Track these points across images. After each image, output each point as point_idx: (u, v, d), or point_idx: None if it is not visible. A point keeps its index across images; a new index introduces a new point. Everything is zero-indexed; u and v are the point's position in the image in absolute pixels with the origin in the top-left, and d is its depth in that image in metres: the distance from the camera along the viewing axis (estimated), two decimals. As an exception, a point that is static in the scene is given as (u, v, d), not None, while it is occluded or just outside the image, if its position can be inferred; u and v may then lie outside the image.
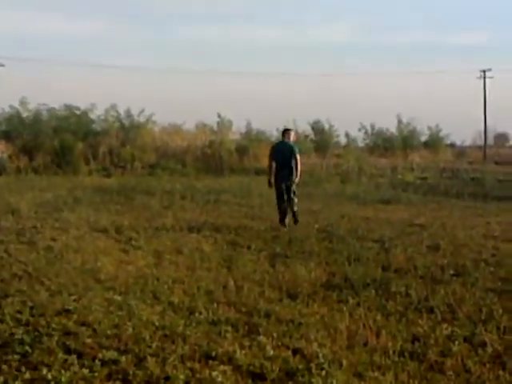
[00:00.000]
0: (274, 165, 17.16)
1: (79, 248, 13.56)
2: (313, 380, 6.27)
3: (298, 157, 17.15)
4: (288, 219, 17.15)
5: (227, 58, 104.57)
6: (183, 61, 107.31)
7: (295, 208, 17.23)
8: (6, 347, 7.20)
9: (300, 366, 6.62)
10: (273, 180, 17.27)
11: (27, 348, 7.10)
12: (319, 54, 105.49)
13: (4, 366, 6.58)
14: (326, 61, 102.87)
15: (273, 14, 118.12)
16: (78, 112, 44.80)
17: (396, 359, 6.94)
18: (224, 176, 37.99)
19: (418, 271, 11.31)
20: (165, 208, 21.28)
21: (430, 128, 59.50)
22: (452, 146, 65.97)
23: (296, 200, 17.31)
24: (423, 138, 59.68)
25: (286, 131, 17.91)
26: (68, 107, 44.81)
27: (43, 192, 25.29)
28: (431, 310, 8.85)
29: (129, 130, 44.17)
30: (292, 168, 17.03)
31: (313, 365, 6.63)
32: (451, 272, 11.24)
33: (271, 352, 7.02)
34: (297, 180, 17.29)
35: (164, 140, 45.90)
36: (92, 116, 45.28)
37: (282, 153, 17.19)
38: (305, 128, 52.35)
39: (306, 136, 52.02)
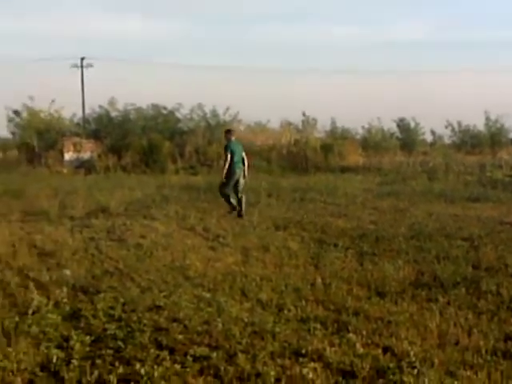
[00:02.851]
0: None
1: (168, 245, 13.74)
2: (404, 378, 6.23)
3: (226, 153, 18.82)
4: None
5: (308, 56, 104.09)
6: (265, 59, 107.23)
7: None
8: (99, 342, 7.36)
9: (391, 365, 6.59)
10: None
11: (120, 343, 7.25)
12: (399, 51, 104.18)
13: (98, 361, 6.73)
14: (407, 58, 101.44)
15: (350, 12, 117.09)
16: (165, 111, 45.34)
17: (488, 358, 6.84)
18: (309, 174, 37.85)
19: (509, 270, 11.10)
20: (251, 205, 21.30)
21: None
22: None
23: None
24: (512, 135, 58.42)
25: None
26: (155, 107, 45.39)
27: (132, 190, 25.65)
28: (524, 310, 8.69)
29: (215, 129, 44.45)
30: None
31: (404, 363, 6.59)
32: (544, 271, 11.00)
33: (361, 350, 7.01)
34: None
35: (249, 138, 46.03)
36: (178, 115, 45.76)
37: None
38: (390, 126, 51.79)
39: (392, 134, 51.50)
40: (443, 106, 65.90)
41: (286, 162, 42.58)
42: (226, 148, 18.84)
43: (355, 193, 25.15)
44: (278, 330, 7.68)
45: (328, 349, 7.02)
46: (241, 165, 18.88)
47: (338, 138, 47.69)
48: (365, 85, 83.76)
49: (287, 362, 6.71)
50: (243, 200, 18.90)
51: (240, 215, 18.56)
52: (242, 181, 19.10)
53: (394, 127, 52.37)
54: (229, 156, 18.59)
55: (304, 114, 47.25)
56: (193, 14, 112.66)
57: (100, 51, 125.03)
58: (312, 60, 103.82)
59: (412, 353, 6.88)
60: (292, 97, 69.16)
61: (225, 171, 18.80)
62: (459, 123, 53.44)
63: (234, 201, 18.79)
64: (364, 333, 7.63)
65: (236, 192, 18.91)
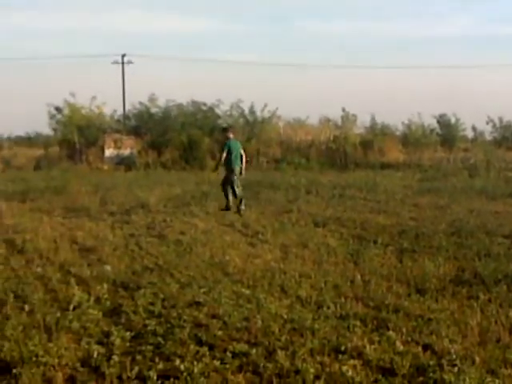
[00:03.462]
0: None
1: (207, 241, 13.78)
2: (445, 376, 6.20)
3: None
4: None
5: (351, 51, 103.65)
6: (305, 55, 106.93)
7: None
8: (139, 338, 7.42)
9: (431, 362, 6.56)
10: None
11: (160, 339, 7.29)
12: (443, 47, 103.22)
13: (138, 357, 6.78)
14: (451, 53, 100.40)
15: (400, 6, 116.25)
16: (204, 108, 45.41)
17: (530, 357, 6.77)
18: (348, 170, 37.75)
19: (552, 267, 10.97)
20: (290, 202, 21.35)
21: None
22: None
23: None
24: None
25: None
26: (195, 103, 45.47)
27: (171, 187, 25.79)
28: None
29: (254, 125, 44.46)
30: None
31: (444, 361, 6.56)
32: None
33: (401, 347, 6.98)
34: None
35: (288, 135, 46.00)
36: (218, 112, 45.80)
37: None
38: (430, 122, 51.31)
39: (432, 130, 51.05)
40: (484, 101, 65.26)
41: (324, 158, 42.49)
42: (224, 146, 18.94)
43: (395, 189, 25.02)
44: (317, 326, 7.67)
45: (368, 346, 7.00)
46: (239, 162, 18.82)
47: (377, 134, 47.39)
48: (404, 80, 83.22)
49: (326, 359, 6.70)
50: (240, 195, 18.76)
51: (239, 211, 18.50)
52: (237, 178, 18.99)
53: (434, 123, 51.89)
54: (224, 153, 18.61)
55: (343, 110, 47.04)
56: (231, 10, 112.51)
57: (141, 48, 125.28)
58: (351, 55, 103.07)
59: (452, 350, 6.85)
60: (334, 93, 68.92)
61: (223, 165, 18.84)
62: (500, 119, 52.80)
63: (231, 198, 18.65)
64: (404, 330, 7.60)
65: (233, 188, 18.71)
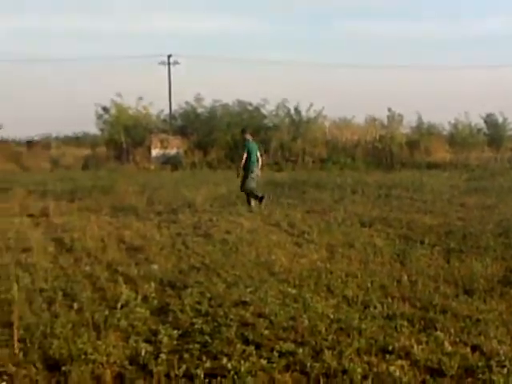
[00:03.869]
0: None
1: (253, 241, 13.80)
2: (494, 378, 6.14)
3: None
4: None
5: (395, 52, 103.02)
6: (350, 55, 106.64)
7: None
8: (186, 336, 7.45)
9: (479, 363, 6.50)
10: None
11: (207, 338, 7.32)
12: (484, 46, 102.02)
13: (186, 355, 6.82)
14: (494, 52, 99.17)
15: (434, 7, 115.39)
16: (250, 108, 45.54)
17: None
18: (394, 170, 37.57)
19: None
20: (336, 202, 21.30)
21: None
22: None
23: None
24: None
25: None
26: (241, 103, 45.62)
27: (217, 186, 25.91)
28: None
29: (299, 125, 44.47)
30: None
31: (493, 362, 6.49)
32: None
33: (449, 348, 6.93)
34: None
35: (334, 134, 45.95)
36: (264, 111, 45.90)
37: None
38: (477, 121, 50.82)
39: (479, 130, 50.56)
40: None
41: (370, 158, 42.40)
42: (244, 147, 19.68)
43: (442, 189, 24.84)
44: (364, 326, 7.65)
45: (415, 346, 6.96)
46: (256, 163, 19.57)
47: (424, 133, 47.15)
48: (445, 80, 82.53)
49: (374, 359, 6.68)
50: (255, 193, 19.49)
51: (250, 204, 19.27)
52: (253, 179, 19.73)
53: (481, 123, 51.40)
54: (245, 155, 19.34)
55: (389, 110, 46.86)
56: (279, 11, 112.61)
57: (187, 49, 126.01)
58: (392, 56, 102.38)
59: (501, 352, 6.77)
60: (380, 93, 68.56)
61: (241, 167, 19.49)
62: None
63: (258, 194, 19.43)
64: (452, 331, 7.54)
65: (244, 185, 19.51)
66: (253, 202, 19.29)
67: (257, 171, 19.61)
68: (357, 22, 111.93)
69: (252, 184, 19.52)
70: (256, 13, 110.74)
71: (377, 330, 7.56)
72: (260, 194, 19.38)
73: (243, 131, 21.09)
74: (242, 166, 19.40)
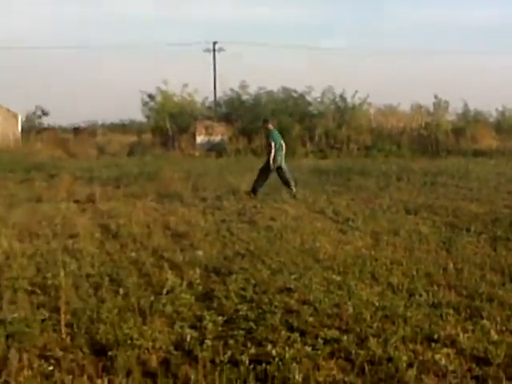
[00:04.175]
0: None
1: (298, 228, 13.81)
2: (540, 366, 6.08)
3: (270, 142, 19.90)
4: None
5: (443, 38, 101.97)
6: (396, 42, 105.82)
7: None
8: (231, 323, 7.48)
9: (526, 352, 6.44)
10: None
11: (252, 324, 7.35)
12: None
13: (230, 341, 6.84)
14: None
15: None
16: (295, 95, 45.44)
17: None
18: (440, 158, 37.24)
19: None
20: (381, 189, 21.21)
21: None
22: None
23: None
24: None
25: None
26: (286, 90, 45.54)
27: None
28: None
29: (344, 112, 44.27)
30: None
31: (541, 351, 6.43)
32: None
33: (495, 336, 6.88)
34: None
35: (379, 121, 45.66)
36: (309, 98, 45.76)
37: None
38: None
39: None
40: None
41: (416, 145, 42.06)
42: (268, 137, 20.14)
43: (488, 177, 24.58)
44: (409, 314, 7.61)
45: (461, 335, 6.92)
46: (281, 152, 19.85)
47: (470, 121, 46.66)
48: (503, 65, 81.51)
49: (419, 347, 6.65)
50: (291, 181, 19.85)
51: (294, 195, 19.30)
52: (284, 166, 20.04)
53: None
54: (273, 143, 19.66)
55: (436, 97, 46.43)
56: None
57: (232, 36, 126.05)
58: (440, 42, 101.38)
59: (550, 342, 6.71)
60: (426, 79, 68.01)
61: (271, 157, 19.70)
62: None
63: (260, 188, 19.73)
64: (498, 319, 7.48)
65: (282, 177, 19.91)
66: (293, 187, 19.61)
67: (281, 159, 19.85)
68: (406, 8, 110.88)
69: (266, 177, 19.91)
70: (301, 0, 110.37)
71: (422, 318, 7.52)
72: (260, 187, 19.75)
73: (265, 121, 21.35)
74: (272, 155, 19.63)
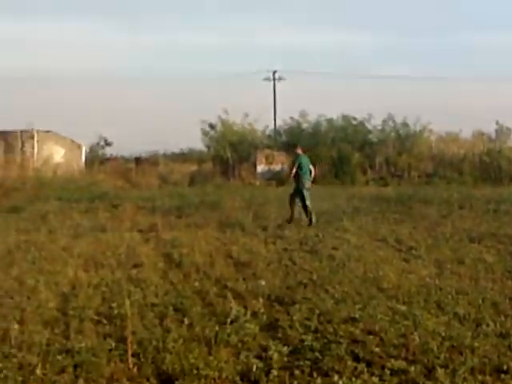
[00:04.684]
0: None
1: (360, 257, 13.74)
2: None
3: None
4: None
5: (506, 64, 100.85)
6: (454, 69, 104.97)
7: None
8: (297, 353, 7.46)
9: None
10: None
11: (317, 354, 7.32)
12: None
13: (296, 372, 6.83)
14: None
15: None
16: (354, 122, 45.39)
17: None
18: (503, 185, 36.80)
19: None
20: (443, 217, 21.01)
21: None
22: None
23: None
24: None
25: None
26: (345, 118, 45.51)
27: (322, 201, 25.79)
28: None
29: (405, 140, 44.04)
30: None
31: None
32: None
33: None
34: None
35: (440, 148, 45.31)
36: (368, 126, 45.66)
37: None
38: None
39: None
40: None
41: (478, 172, 41.60)
42: (295, 161, 20.74)
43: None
44: (476, 344, 7.51)
45: (531, 366, 6.81)
46: (309, 176, 20.40)
47: (533, 147, 46.04)
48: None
49: (488, 378, 6.56)
50: (310, 208, 19.95)
51: (311, 223, 19.55)
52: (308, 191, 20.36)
53: None
54: (294, 168, 20.35)
55: (497, 123, 45.96)
56: (382, 25, 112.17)
57: (291, 64, 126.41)
58: (504, 68, 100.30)
59: None
60: (487, 106, 67.23)
61: (294, 181, 20.54)
62: None
63: (297, 211, 20.20)
64: None
65: (304, 201, 20.05)
66: (313, 218, 19.74)
67: (308, 183, 20.32)
68: (469, 35, 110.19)
69: (301, 199, 20.15)
70: (362, 27, 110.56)
71: (490, 349, 7.41)
72: (295, 216, 20.14)
73: (294, 146, 22.65)
74: (292, 177, 20.47)
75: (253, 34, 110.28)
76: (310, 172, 20.46)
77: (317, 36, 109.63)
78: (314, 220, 19.55)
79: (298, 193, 20.20)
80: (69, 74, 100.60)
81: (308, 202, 19.93)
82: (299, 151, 20.99)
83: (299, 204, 20.20)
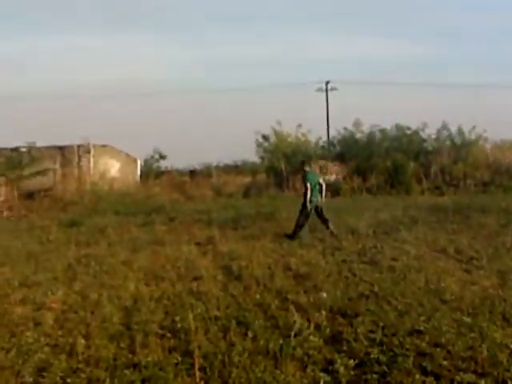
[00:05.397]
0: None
1: (420, 268, 13.61)
2: None
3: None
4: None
5: None
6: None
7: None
8: (363, 366, 7.43)
9: None
10: None
11: (384, 367, 7.28)
12: None
13: (363, 385, 6.80)
14: None
15: None
16: (409, 132, 45.03)
17: None
18: None
19: None
20: (502, 226, 20.69)
21: None
22: None
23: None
24: None
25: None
26: (399, 127, 45.18)
27: (378, 212, 25.66)
28: None
29: (460, 148, 43.56)
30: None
31: None
32: None
33: None
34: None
35: (496, 156, 44.73)
36: (423, 135, 45.25)
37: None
38: None
39: None
40: None
41: (536, 179, 40.95)
42: (304, 178, 20.44)
43: None
44: (544, 358, 7.40)
45: None
46: (317, 193, 20.13)
47: None
48: None
49: (560, 391, 6.45)
50: (330, 221, 20.17)
51: (290, 237, 19.46)
52: (319, 205, 20.26)
53: None
54: (308, 185, 19.96)
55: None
56: (434, 32, 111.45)
57: (344, 74, 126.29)
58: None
59: None
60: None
61: (307, 198, 19.96)
62: None
63: (304, 233, 19.78)
64: None
65: (320, 216, 20.26)
66: (300, 234, 19.70)
67: (317, 199, 20.15)
68: None
69: (306, 218, 20.02)
70: (416, 36, 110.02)
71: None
72: (303, 234, 19.76)
73: (302, 163, 22.16)
74: (308, 197, 19.92)
75: (305, 46, 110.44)
76: (321, 187, 20.31)
77: (369, 45, 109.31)
78: (297, 237, 19.40)
79: (304, 209, 20.02)
80: (123, 87, 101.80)
81: (302, 219, 19.89)
82: (307, 168, 20.83)
83: (321, 218, 20.26)
